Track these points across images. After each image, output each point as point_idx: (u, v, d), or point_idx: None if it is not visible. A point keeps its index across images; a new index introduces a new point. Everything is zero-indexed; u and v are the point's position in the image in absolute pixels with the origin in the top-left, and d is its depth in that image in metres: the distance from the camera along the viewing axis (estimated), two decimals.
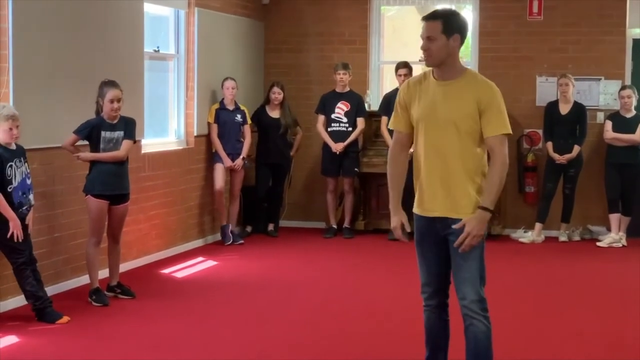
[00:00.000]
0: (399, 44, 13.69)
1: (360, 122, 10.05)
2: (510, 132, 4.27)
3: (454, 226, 4.22)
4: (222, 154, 9.39)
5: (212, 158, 9.51)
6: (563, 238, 9.83)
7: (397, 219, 4.44)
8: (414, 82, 4.42)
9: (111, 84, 6.74)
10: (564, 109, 9.75)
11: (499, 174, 4.21)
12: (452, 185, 4.25)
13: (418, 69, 10.33)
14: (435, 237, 4.35)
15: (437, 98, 4.27)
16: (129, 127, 6.83)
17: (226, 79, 9.45)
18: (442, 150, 4.25)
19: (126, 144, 6.80)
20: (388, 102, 9.65)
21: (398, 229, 4.45)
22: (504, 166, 4.23)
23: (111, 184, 6.76)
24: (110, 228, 6.94)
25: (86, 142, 6.78)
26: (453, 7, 14.65)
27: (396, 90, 9.74)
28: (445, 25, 4.22)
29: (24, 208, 6.12)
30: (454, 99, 4.24)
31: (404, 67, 9.78)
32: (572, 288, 7.67)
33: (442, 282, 4.45)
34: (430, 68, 4.39)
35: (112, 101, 6.68)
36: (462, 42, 4.31)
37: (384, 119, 9.68)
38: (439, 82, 4.29)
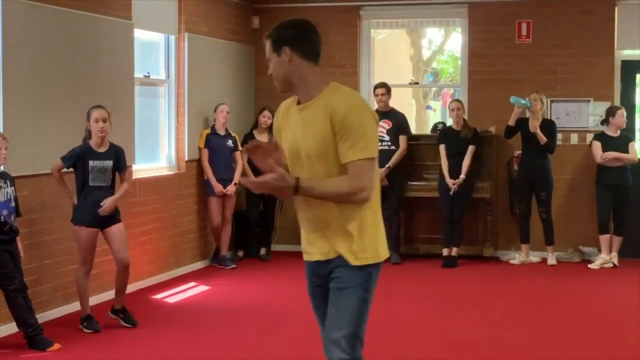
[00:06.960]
0: (389, 67, 13.75)
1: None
2: (374, 155, 3.47)
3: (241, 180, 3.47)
4: (213, 180, 9.37)
5: (203, 183, 9.51)
6: (552, 261, 9.74)
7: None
8: (284, 107, 3.75)
9: (96, 106, 6.70)
10: (533, 126, 9.62)
11: (340, 188, 3.44)
12: (325, 226, 3.58)
13: (408, 92, 10.35)
14: (323, 285, 3.69)
15: (297, 129, 3.57)
16: (121, 159, 6.81)
17: (221, 103, 9.48)
18: None
19: (126, 175, 6.93)
20: None
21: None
22: (354, 190, 3.43)
23: (97, 212, 6.65)
24: (115, 252, 6.76)
25: (72, 170, 6.72)
26: (428, 25, 14.79)
27: (377, 110, 9.79)
28: (273, 43, 3.62)
29: (8, 227, 6.08)
30: (310, 126, 3.51)
31: (381, 87, 9.78)
32: (565, 309, 7.65)
33: None
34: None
35: (97, 120, 6.59)
36: (302, 53, 3.61)
37: None
38: (298, 107, 3.60)
